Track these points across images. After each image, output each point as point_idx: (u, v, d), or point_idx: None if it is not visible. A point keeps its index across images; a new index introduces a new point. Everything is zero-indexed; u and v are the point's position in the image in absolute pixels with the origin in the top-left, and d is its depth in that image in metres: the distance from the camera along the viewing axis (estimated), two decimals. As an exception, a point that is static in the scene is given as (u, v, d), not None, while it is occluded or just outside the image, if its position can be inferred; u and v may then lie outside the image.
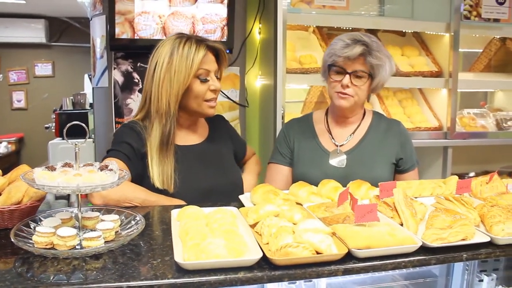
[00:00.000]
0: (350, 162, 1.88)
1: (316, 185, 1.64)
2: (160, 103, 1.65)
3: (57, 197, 4.25)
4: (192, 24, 2.63)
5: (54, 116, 4.20)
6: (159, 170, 1.65)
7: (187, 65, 1.63)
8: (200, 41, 1.68)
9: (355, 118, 1.96)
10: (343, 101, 1.83)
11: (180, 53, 1.64)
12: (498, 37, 3.44)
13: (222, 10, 2.66)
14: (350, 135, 1.93)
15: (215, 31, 2.67)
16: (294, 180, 1.94)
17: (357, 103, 1.85)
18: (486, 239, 1.17)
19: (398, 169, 1.94)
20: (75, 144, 1.19)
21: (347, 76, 1.79)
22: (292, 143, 1.98)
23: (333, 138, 1.94)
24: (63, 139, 4.11)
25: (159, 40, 2.50)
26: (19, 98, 7.15)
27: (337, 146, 1.92)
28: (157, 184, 1.64)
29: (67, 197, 4.31)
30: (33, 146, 7.06)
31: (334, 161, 1.89)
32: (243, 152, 2.07)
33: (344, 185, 1.62)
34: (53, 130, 4.27)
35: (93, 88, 2.97)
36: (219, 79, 1.76)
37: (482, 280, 1.57)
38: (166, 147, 1.67)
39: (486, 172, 3.37)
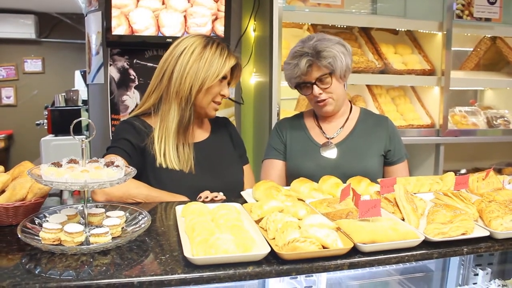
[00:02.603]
0: (341, 154, 1.94)
1: (310, 177, 1.68)
2: (183, 85, 1.67)
3: (50, 194, 4.22)
4: (184, 18, 2.65)
5: (46, 113, 4.14)
6: (177, 150, 1.70)
7: (219, 63, 1.68)
8: (230, 50, 1.75)
9: (342, 111, 2.03)
10: (325, 107, 1.93)
11: (214, 49, 1.69)
12: (489, 36, 3.49)
13: (212, 4, 2.71)
14: (340, 128, 2.00)
15: (205, 24, 2.71)
16: (288, 174, 2.00)
17: (337, 100, 1.93)
18: (485, 233, 1.20)
19: (387, 161, 2.00)
20: (82, 140, 1.19)
21: (314, 86, 1.87)
22: (285, 138, 2.05)
23: (324, 132, 2.01)
24: (55, 136, 4.10)
25: (154, 36, 2.54)
26: (8, 95, 7.04)
27: (328, 139, 1.99)
28: (174, 164, 1.67)
29: (59, 194, 4.29)
30: (23, 143, 6.95)
31: (325, 153, 1.96)
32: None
33: (337, 176, 1.67)
34: (45, 127, 4.21)
35: (88, 84, 2.95)
36: None
37: (477, 274, 1.61)
38: (185, 130, 1.72)
39: (477, 169, 3.43)
